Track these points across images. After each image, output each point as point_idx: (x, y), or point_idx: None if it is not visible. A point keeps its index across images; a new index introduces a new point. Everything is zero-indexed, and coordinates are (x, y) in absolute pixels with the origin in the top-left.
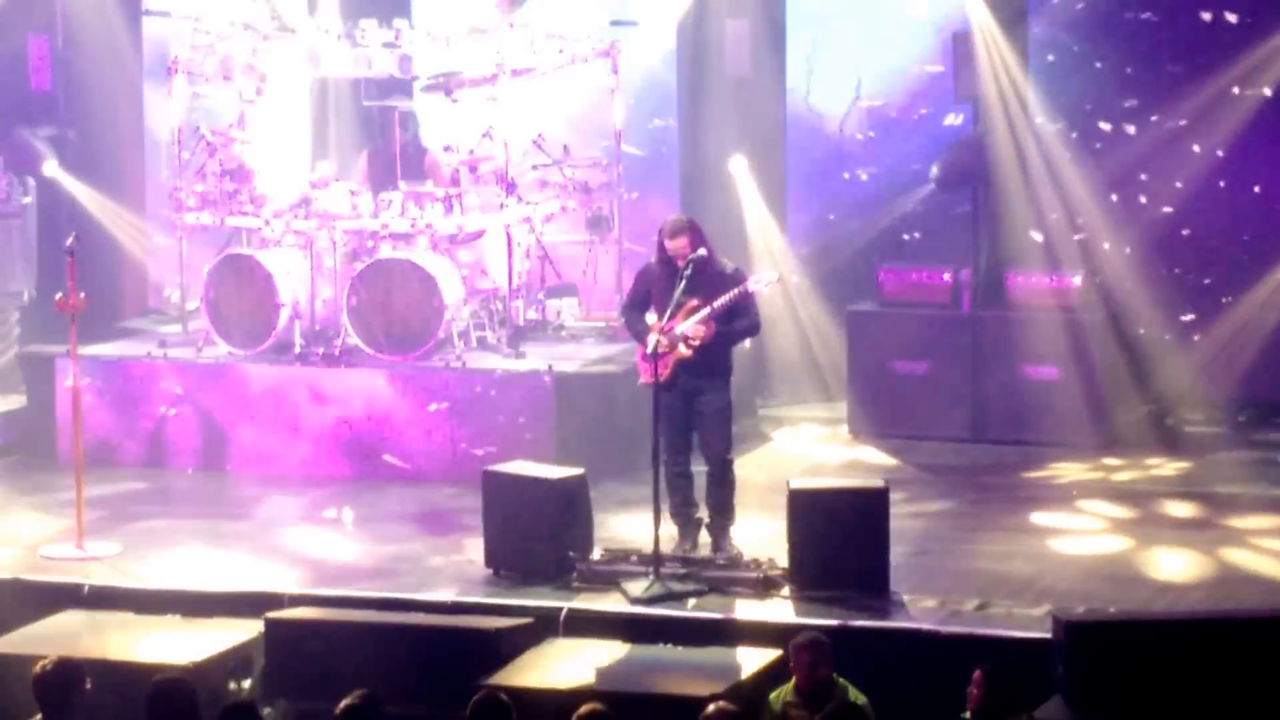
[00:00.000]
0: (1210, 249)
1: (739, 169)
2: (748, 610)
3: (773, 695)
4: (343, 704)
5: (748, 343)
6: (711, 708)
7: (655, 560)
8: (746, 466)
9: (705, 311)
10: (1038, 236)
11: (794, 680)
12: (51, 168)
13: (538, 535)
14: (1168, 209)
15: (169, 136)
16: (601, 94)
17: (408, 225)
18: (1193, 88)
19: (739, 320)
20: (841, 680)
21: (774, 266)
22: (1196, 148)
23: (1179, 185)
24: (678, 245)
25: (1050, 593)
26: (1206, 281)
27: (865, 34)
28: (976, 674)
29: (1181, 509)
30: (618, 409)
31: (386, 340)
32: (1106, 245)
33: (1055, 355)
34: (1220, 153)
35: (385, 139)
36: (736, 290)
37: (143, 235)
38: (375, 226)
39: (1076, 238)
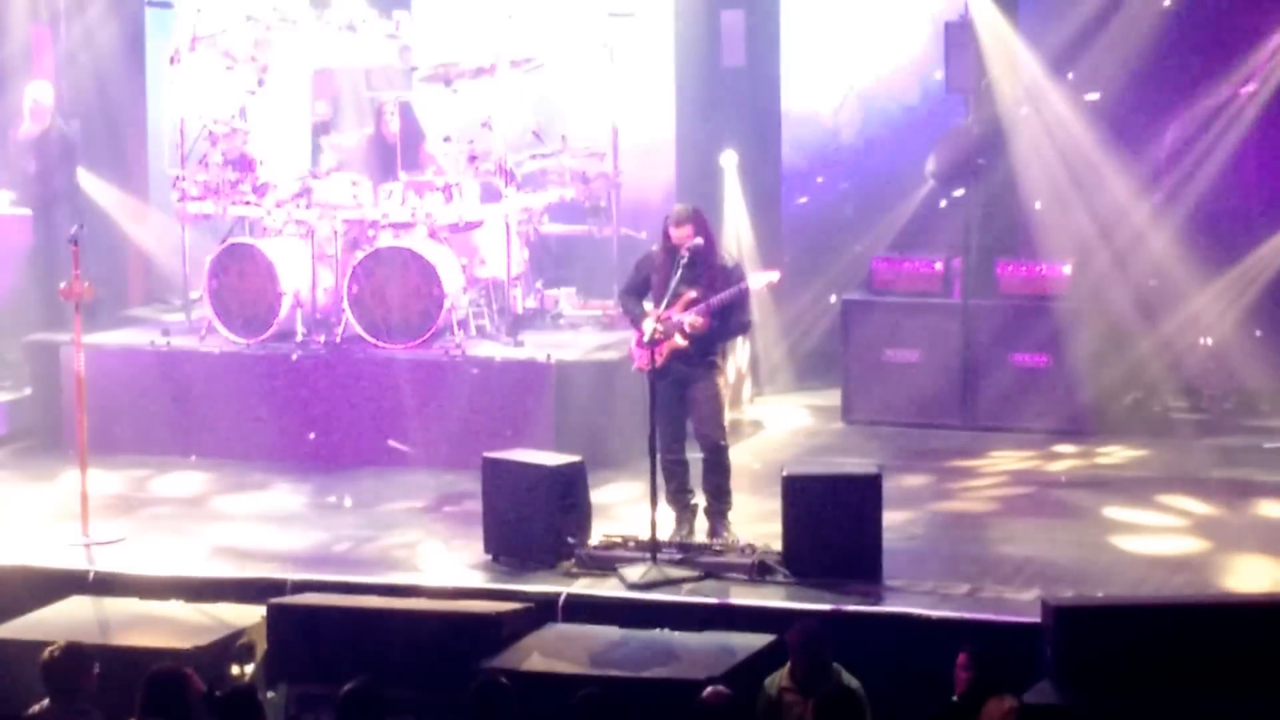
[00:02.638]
0: (1205, 233)
1: (729, 162)
2: (743, 595)
3: (768, 680)
4: (345, 688)
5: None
6: (707, 691)
7: (652, 546)
8: (741, 453)
9: (704, 305)
10: (1028, 224)
11: (789, 665)
12: None
13: (536, 521)
14: (1163, 193)
15: (172, 127)
16: (599, 85)
17: (408, 214)
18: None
19: (734, 317)
20: (835, 664)
21: (766, 257)
22: (1201, 135)
23: (1176, 168)
24: (682, 234)
25: (1039, 577)
26: (1201, 270)
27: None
28: (962, 657)
29: (1171, 495)
30: (615, 397)
31: (387, 328)
32: (1100, 232)
33: (1044, 343)
34: (1228, 139)
35: (384, 129)
36: (737, 288)
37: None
38: (376, 216)
39: (1067, 225)
